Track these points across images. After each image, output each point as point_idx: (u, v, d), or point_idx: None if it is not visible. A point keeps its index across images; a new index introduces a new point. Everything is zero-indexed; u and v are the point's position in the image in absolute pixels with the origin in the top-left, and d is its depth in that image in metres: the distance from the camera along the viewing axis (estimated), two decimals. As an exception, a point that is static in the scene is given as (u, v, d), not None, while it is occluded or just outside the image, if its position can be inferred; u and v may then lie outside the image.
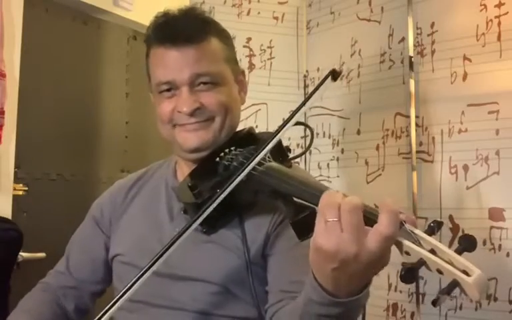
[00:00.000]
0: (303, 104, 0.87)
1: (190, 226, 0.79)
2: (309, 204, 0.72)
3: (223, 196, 0.81)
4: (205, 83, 1.00)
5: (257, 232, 0.96)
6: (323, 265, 0.65)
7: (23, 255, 2.04)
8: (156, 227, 1.06)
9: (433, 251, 0.58)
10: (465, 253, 0.60)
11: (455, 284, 0.56)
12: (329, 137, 2.24)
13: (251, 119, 2.23)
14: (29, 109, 2.22)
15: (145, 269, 0.77)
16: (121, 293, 0.76)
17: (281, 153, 0.95)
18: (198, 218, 0.80)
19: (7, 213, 2.08)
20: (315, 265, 0.68)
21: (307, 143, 2.25)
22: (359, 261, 0.62)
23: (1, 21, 2.03)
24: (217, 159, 0.98)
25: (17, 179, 2.17)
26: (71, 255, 1.18)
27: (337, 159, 2.21)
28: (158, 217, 1.07)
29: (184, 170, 1.07)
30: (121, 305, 1.03)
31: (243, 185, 0.83)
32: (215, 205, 0.81)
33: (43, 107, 2.35)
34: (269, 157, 0.89)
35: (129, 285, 0.77)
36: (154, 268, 0.78)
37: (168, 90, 1.02)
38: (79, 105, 2.55)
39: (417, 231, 0.60)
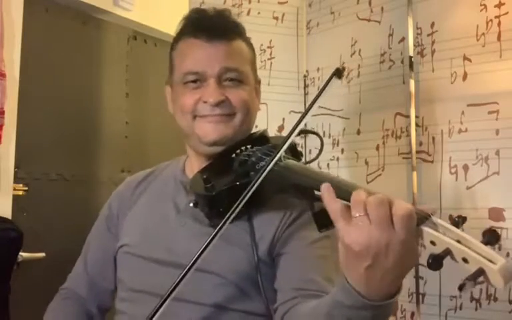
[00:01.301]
0: (310, 106, 0.91)
1: (229, 216, 0.82)
2: None
3: (256, 185, 0.83)
4: (231, 79, 1.05)
5: (265, 230, 0.97)
6: (356, 263, 0.66)
7: (23, 255, 2.04)
8: (162, 219, 1.08)
9: (458, 242, 0.61)
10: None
11: (480, 271, 0.58)
12: (329, 137, 2.24)
13: (250, 119, 2.23)
14: (29, 109, 2.22)
15: (189, 266, 0.82)
16: (166, 296, 0.82)
17: (295, 156, 0.98)
18: (237, 207, 0.82)
19: (7, 213, 2.08)
20: (347, 266, 0.69)
21: (307, 142, 2.26)
22: (391, 252, 0.64)
23: (1, 21, 2.02)
24: (233, 155, 1.01)
25: (17, 179, 2.17)
26: (88, 254, 1.20)
27: (337, 159, 2.21)
28: (164, 210, 1.08)
29: (194, 166, 1.09)
30: (124, 296, 1.06)
31: (264, 180, 0.85)
32: (246, 198, 0.82)
33: (43, 107, 2.35)
34: (284, 157, 0.92)
35: (173, 285, 0.82)
36: (195, 265, 0.83)
37: (194, 81, 1.05)
38: (79, 105, 2.55)
39: (443, 223, 0.64)
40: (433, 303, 1.83)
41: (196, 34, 1.06)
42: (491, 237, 0.63)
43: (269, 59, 2.32)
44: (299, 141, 2.22)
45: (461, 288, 0.60)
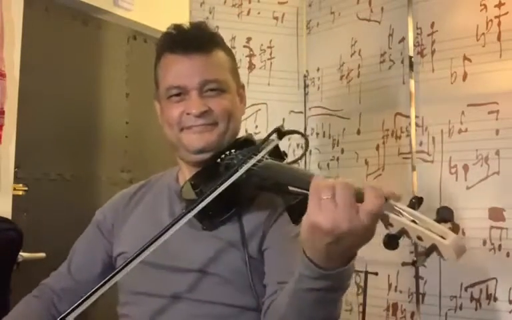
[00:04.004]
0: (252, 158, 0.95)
1: (185, 215, 0.87)
2: (302, 190, 0.79)
3: (220, 190, 0.88)
4: (212, 90, 1.08)
5: (254, 227, 1.02)
6: (318, 241, 0.70)
7: (23, 254, 2.04)
8: (158, 226, 1.09)
9: (413, 221, 0.65)
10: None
11: (433, 247, 0.63)
12: (329, 137, 2.24)
13: (251, 119, 2.23)
14: (29, 109, 2.22)
15: (135, 255, 0.85)
16: (109, 277, 0.84)
17: (277, 157, 1.01)
18: (194, 208, 0.88)
19: (7, 213, 2.08)
20: (309, 242, 0.73)
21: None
22: (353, 235, 0.68)
23: (1, 21, 2.03)
24: (218, 160, 1.06)
25: (17, 179, 2.17)
26: (74, 257, 1.22)
27: (337, 159, 2.21)
28: (160, 219, 1.11)
29: (186, 175, 1.13)
30: (125, 300, 1.08)
31: (244, 180, 0.91)
32: (212, 197, 0.88)
33: (43, 107, 2.35)
34: (267, 158, 0.97)
35: (117, 269, 0.85)
36: (143, 256, 0.86)
37: (177, 95, 1.09)
38: (79, 105, 2.55)
39: (400, 205, 0.68)
40: (433, 303, 1.83)
41: (173, 49, 1.10)
42: (444, 213, 0.66)
43: (268, 59, 2.32)
44: (299, 140, 2.22)
45: (414, 264, 0.65)
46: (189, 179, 1.07)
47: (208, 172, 1.05)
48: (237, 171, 0.90)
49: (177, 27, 1.14)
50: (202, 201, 0.88)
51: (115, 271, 0.86)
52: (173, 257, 1.03)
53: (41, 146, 2.33)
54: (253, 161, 0.92)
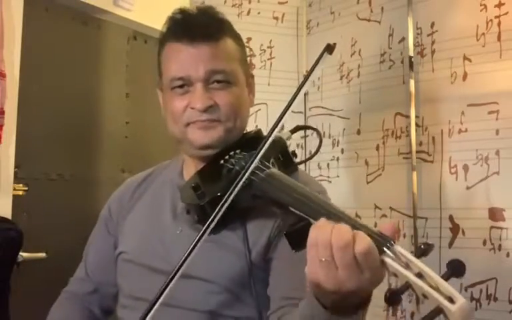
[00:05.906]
0: (304, 82, 0.89)
1: (201, 236, 0.81)
2: (304, 215, 0.73)
3: (227, 203, 0.82)
4: (219, 81, 1.01)
5: (259, 234, 0.96)
6: (323, 296, 0.67)
7: (23, 255, 2.04)
8: (158, 225, 1.06)
9: (420, 275, 0.59)
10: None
11: (438, 310, 0.57)
12: (329, 137, 2.24)
13: (251, 118, 2.21)
14: (29, 109, 2.22)
15: (164, 285, 0.83)
16: (148, 308, 0.82)
17: (285, 158, 0.96)
18: (208, 227, 0.82)
19: (7, 213, 2.08)
20: (316, 293, 0.69)
21: (307, 142, 2.26)
22: (361, 290, 0.65)
23: (1, 21, 2.03)
24: (222, 161, 0.99)
25: (16, 179, 2.17)
26: (88, 258, 1.19)
27: (337, 159, 2.21)
28: (161, 215, 1.07)
29: (191, 170, 1.08)
30: (123, 303, 1.05)
31: (244, 189, 0.84)
32: (221, 213, 0.82)
33: (43, 107, 2.35)
34: (273, 163, 0.90)
35: (159, 293, 0.83)
36: (174, 280, 0.83)
37: (181, 86, 1.02)
38: (79, 105, 2.55)
39: (406, 253, 0.62)
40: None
41: (178, 37, 1.02)
42: (456, 269, 0.61)
43: (268, 59, 2.32)
44: (299, 140, 2.22)
45: None
46: (190, 179, 1.02)
47: (210, 172, 1.00)
48: (238, 183, 0.83)
49: (183, 12, 1.06)
50: (213, 219, 0.82)
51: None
52: (174, 262, 0.94)
53: (40, 146, 2.33)
54: (251, 168, 0.84)
